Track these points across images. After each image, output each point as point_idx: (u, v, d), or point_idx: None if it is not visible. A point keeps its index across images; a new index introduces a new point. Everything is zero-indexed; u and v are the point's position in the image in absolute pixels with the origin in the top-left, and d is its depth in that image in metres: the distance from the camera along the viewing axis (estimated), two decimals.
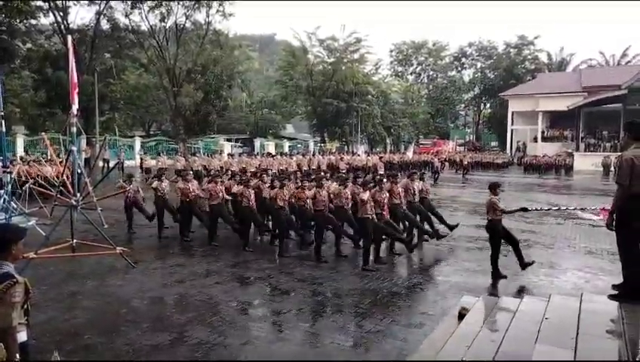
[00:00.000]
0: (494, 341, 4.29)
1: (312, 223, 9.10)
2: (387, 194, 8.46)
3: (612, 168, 29.22)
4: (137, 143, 33.86)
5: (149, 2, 35.02)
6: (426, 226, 9.71)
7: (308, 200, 8.80)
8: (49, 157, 14.02)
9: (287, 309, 5.95)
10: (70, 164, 8.55)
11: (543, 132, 44.66)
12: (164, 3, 35.33)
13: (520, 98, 46.21)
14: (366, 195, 7.86)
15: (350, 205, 8.58)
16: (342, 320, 5.61)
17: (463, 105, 68.62)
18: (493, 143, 58.14)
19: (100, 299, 6.25)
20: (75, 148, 8.04)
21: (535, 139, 44.86)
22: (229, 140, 42.65)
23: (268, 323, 5.55)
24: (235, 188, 9.63)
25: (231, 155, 23.76)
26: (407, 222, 9.34)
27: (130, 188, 10.45)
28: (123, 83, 36.60)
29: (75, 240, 7.90)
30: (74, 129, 8.05)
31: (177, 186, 10.01)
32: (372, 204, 7.89)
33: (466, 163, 32.95)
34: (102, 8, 33.84)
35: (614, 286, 5.09)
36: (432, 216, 9.93)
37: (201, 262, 8.23)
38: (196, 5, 36.26)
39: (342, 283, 7.05)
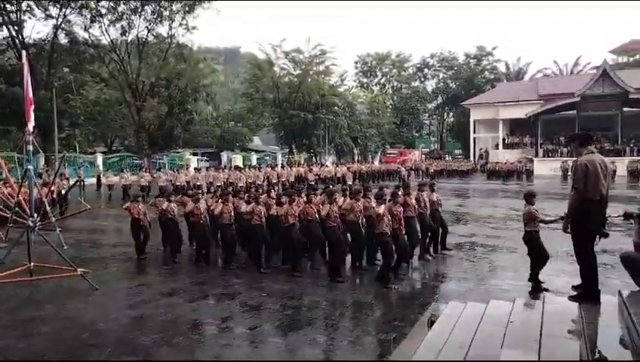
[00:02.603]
0: (462, 346, 4.34)
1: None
2: (402, 208, 8.11)
3: (569, 173, 30.52)
4: (99, 159, 32.94)
5: (109, 16, 34.40)
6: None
7: (316, 216, 8.33)
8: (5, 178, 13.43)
9: (257, 325, 5.86)
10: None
11: (503, 139, 46.20)
12: (125, 16, 34.77)
13: (481, 107, 47.76)
14: (382, 209, 7.44)
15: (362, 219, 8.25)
16: (312, 333, 5.56)
17: (427, 115, 70.35)
18: (457, 151, 59.69)
19: (60, 324, 5.98)
20: (31, 167, 7.72)
21: (497, 146, 46.34)
22: (195, 154, 42.10)
23: (237, 340, 5.44)
24: (245, 207, 8.76)
25: (197, 170, 23.41)
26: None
27: (140, 207, 9.67)
28: (83, 98, 35.61)
29: (32, 263, 7.55)
30: (30, 147, 7.72)
31: (187, 208, 9.33)
32: (389, 217, 7.53)
33: (432, 171, 33.64)
34: (59, 22, 32.98)
35: (574, 288, 5.27)
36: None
37: (168, 280, 8.02)
38: (158, 19, 35.87)
39: (312, 296, 7.00)
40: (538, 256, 6.97)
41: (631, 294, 4.67)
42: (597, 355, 3.30)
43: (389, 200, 7.87)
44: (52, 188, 13.43)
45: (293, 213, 8.26)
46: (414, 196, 8.99)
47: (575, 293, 5.10)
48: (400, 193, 8.34)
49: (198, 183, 20.02)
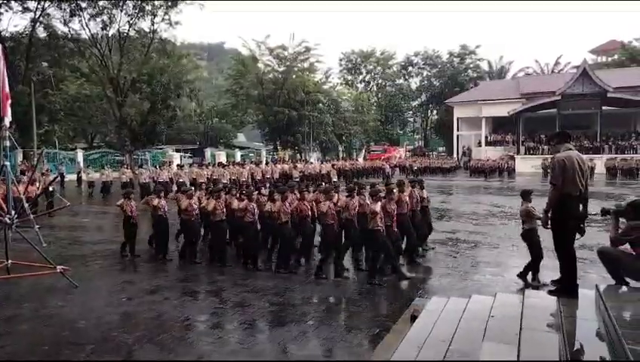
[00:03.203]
0: (444, 341, 4.40)
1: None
2: (395, 205, 8.04)
3: (549, 170, 31.03)
4: (79, 156, 32.35)
5: (89, 10, 33.74)
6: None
7: (309, 213, 8.27)
8: None
9: (241, 321, 5.83)
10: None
11: (486, 137, 46.78)
12: (106, 10, 34.14)
13: (464, 105, 48.25)
14: (378, 207, 7.37)
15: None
16: (296, 329, 5.57)
17: (411, 112, 70.78)
18: (441, 148, 60.25)
19: (39, 323, 5.87)
20: (8, 164, 7.54)
21: (479, 144, 46.91)
22: (178, 151, 41.73)
23: (221, 338, 5.41)
24: (236, 204, 8.64)
25: (180, 166, 23.14)
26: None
27: (132, 204, 9.33)
28: (62, 93, 34.91)
29: (10, 261, 7.39)
30: (7, 143, 7.55)
31: (179, 204, 9.07)
32: (382, 215, 7.46)
33: (415, 168, 33.91)
34: (37, 16, 32.21)
35: (553, 282, 5.37)
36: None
37: (150, 277, 7.93)
38: (140, 13, 35.30)
39: (296, 292, 7.01)
40: (537, 253, 7.02)
41: (607, 288, 4.78)
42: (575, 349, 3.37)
43: (384, 198, 7.79)
44: (37, 185, 13.33)
45: (286, 211, 8.14)
46: (407, 193, 8.96)
47: (554, 288, 5.20)
48: (395, 190, 8.29)
49: (181, 180, 19.81)
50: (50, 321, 5.91)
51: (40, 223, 12.76)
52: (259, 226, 8.82)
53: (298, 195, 8.64)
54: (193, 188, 10.98)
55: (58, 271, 7.28)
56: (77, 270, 8.11)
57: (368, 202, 7.81)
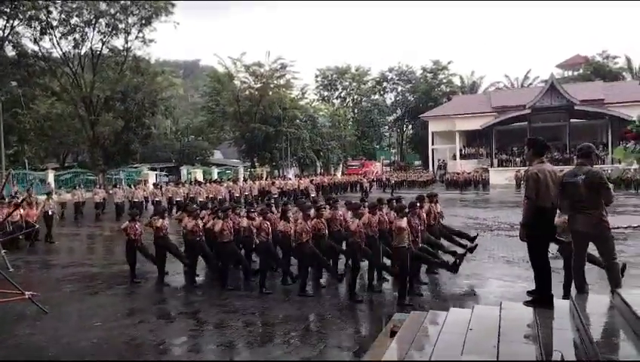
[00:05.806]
0: (424, 355, 4.39)
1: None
2: (419, 220, 7.89)
3: (522, 182, 31.71)
4: (50, 176, 31.48)
5: (60, 28, 33.31)
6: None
7: (326, 231, 8.03)
8: None
9: (218, 343, 5.71)
10: None
11: (460, 150, 47.67)
12: (77, 29, 33.77)
13: (438, 119, 49.16)
14: (404, 223, 7.12)
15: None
16: (275, 349, 5.48)
17: (387, 127, 71.62)
18: (417, 162, 61.03)
19: (5, 353, 5.61)
20: None
21: (454, 157, 47.74)
22: (153, 169, 41.07)
23: (198, 360, 5.27)
24: (246, 223, 8.29)
25: (156, 185, 22.76)
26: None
27: (137, 226, 8.90)
28: (33, 113, 34.11)
29: None
30: None
31: (184, 224, 8.68)
32: (408, 231, 7.21)
33: (393, 182, 34.25)
34: (6, 34, 31.60)
35: (529, 293, 5.43)
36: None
37: (124, 300, 7.71)
38: (114, 32, 35.04)
39: (274, 311, 6.90)
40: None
41: (581, 298, 4.87)
42: (559, 357, 3.40)
43: (408, 213, 7.56)
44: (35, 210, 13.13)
45: (308, 230, 7.79)
46: (425, 209, 8.81)
47: (530, 298, 5.26)
48: (417, 205, 8.14)
49: (157, 199, 19.50)
50: (19, 350, 5.66)
51: (41, 248, 12.37)
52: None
53: (315, 213, 8.29)
54: (198, 207, 10.49)
55: (27, 296, 7.00)
56: (47, 295, 7.80)
57: (389, 217, 7.69)
